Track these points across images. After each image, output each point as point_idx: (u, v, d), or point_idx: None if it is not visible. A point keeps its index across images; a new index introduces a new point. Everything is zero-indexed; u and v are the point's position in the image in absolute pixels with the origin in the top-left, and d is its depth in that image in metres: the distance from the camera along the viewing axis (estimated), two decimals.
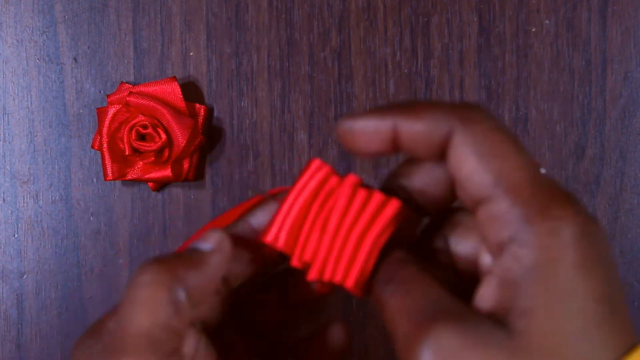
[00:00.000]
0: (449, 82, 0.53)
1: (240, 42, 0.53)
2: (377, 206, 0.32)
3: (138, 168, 0.52)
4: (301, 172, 0.33)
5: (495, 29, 0.53)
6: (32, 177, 0.53)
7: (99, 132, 0.51)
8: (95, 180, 0.53)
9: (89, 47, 0.53)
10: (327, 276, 0.32)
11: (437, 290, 0.28)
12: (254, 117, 0.53)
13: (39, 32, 0.53)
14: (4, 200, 0.53)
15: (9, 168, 0.53)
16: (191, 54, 0.53)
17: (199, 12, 0.53)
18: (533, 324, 0.26)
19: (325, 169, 0.33)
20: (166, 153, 0.51)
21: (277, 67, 0.53)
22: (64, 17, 0.53)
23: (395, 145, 0.31)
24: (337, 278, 0.32)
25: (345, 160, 0.53)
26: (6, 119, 0.53)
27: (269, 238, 0.32)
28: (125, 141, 0.51)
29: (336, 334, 0.35)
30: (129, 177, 0.52)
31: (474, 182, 0.28)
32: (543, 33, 0.53)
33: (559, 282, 0.26)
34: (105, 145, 0.51)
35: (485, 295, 0.28)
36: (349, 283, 0.32)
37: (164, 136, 0.51)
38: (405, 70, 0.53)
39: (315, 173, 0.33)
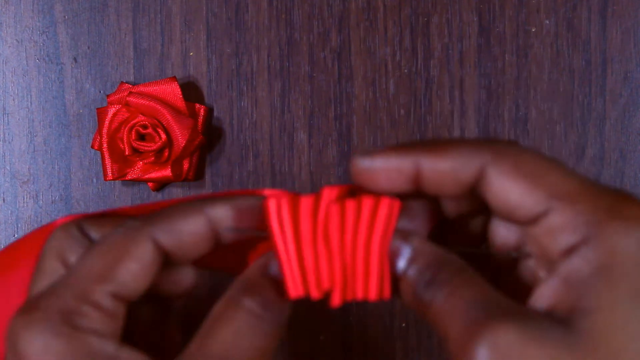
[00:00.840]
0: (449, 82, 0.53)
1: (240, 42, 0.53)
2: (371, 211, 0.31)
3: (138, 168, 0.52)
4: (266, 214, 0.31)
5: (495, 29, 0.53)
6: (32, 177, 0.53)
7: (99, 132, 0.51)
8: (95, 180, 0.53)
9: (89, 47, 0.53)
10: (349, 296, 0.32)
11: (484, 288, 0.28)
12: (254, 117, 0.53)
13: (39, 32, 0.53)
14: (4, 200, 0.53)
15: (8, 168, 0.53)
16: (191, 54, 0.53)
17: (199, 12, 0.53)
18: (599, 322, 0.26)
19: (285, 200, 0.31)
20: (166, 153, 0.51)
21: (277, 67, 0.53)
22: (64, 17, 0.53)
23: (417, 184, 0.31)
24: (360, 295, 0.32)
25: (345, 159, 0.53)
26: (6, 119, 0.53)
27: (294, 293, 0.31)
28: (125, 141, 0.51)
29: None
30: (129, 177, 0.52)
31: (525, 202, 0.28)
32: (543, 33, 0.53)
33: (630, 281, 0.26)
34: (105, 145, 0.51)
35: (545, 295, 0.28)
36: (372, 296, 0.31)
37: (164, 136, 0.51)
38: (405, 70, 0.53)
39: (280, 211, 0.31)
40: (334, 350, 0.53)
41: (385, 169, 0.31)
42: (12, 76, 0.54)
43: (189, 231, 0.31)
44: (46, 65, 0.54)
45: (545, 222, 0.28)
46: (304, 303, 0.51)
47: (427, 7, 0.53)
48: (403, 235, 0.31)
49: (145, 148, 0.51)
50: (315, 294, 0.31)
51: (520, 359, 0.26)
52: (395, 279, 0.31)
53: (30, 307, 0.29)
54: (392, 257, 0.31)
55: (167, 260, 0.32)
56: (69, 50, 0.53)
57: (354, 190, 0.33)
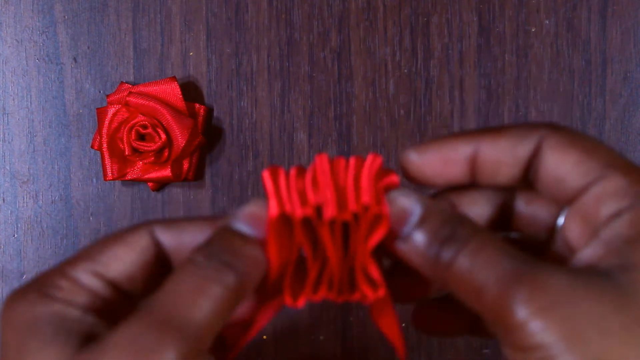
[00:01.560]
0: (449, 82, 0.53)
1: (240, 42, 0.53)
2: (359, 163, 0.31)
3: (138, 168, 0.52)
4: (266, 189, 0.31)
5: (495, 29, 0.53)
6: (31, 177, 0.53)
7: (99, 132, 0.51)
8: (95, 180, 0.53)
9: (88, 47, 0.53)
10: (342, 212, 0.30)
11: (508, 245, 0.28)
12: (254, 117, 0.53)
13: (38, 32, 0.53)
14: (3, 200, 0.53)
15: (8, 168, 0.53)
16: (191, 54, 0.53)
17: (199, 12, 0.53)
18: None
19: (281, 170, 0.31)
20: (166, 153, 0.51)
21: (277, 67, 0.53)
22: (64, 17, 0.53)
23: (472, 171, 0.31)
24: (352, 205, 0.30)
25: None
26: (6, 119, 0.53)
27: (273, 211, 0.30)
28: (125, 141, 0.51)
29: None
30: (128, 177, 0.52)
31: (580, 170, 0.29)
32: (543, 33, 0.53)
33: None
34: (105, 145, 0.51)
35: (584, 258, 0.29)
36: (366, 199, 0.30)
37: (163, 136, 0.51)
38: (405, 70, 0.53)
39: (275, 170, 0.31)
40: (334, 350, 0.53)
41: (441, 157, 0.32)
42: (12, 76, 0.54)
43: (191, 231, 0.32)
44: (46, 65, 0.54)
45: (595, 188, 0.29)
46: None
47: (427, 7, 0.53)
48: (410, 194, 0.31)
49: (145, 148, 0.51)
50: (300, 211, 0.30)
51: (569, 302, 0.26)
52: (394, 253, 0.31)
53: (24, 284, 0.30)
54: (401, 217, 0.30)
55: (165, 260, 0.32)
56: (68, 50, 0.53)
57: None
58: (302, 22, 0.53)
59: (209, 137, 0.53)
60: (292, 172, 0.31)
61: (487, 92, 0.53)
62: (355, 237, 0.31)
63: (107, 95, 0.52)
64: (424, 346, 0.53)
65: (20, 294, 0.29)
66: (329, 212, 0.30)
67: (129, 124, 0.51)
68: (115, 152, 0.51)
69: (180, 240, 0.32)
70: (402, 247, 0.30)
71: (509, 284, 0.27)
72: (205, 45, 0.53)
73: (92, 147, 0.52)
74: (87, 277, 0.30)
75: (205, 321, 0.28)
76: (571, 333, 0.26)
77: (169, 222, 0.32)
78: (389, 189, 0.31)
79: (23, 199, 0.53)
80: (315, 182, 0.31)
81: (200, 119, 0.52)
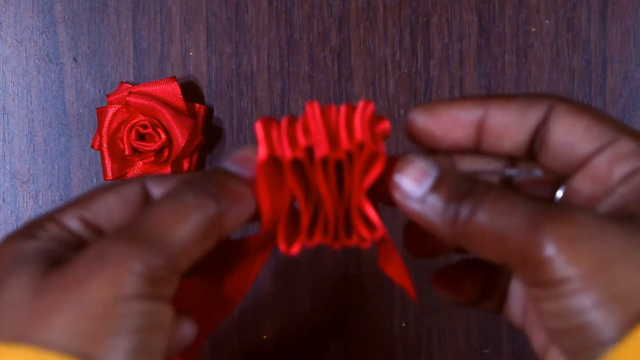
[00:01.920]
0: (449, 82, 0.53)
1: (240, 42, 0.53)
2: (351, 109, 0.31)
3: (138, 168, 0.52)
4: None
5: (495, 29, 0.53)
6: (32, 177, 0.53)
7: (99, 132, 0.51)
8: (95, 180, 0.53)
9: (88, 47, 0.53)
10: (328, 148, 0.30)
11: (526, 197, 0.29)
12: (254, 117, 0.53)
13: (38, 32, 0.53)
14: (3, 200, 0.53)
15: (8, 168, 0.53)
16: (191, 54, 0.53)
17: (199, 12, 0.53)
18: None
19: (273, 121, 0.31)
20: (166, 153, 0.51)
21: (277, 67, 0.53)
22: (64, 17, 0.53)
23: (478, 136, 0.31)
24: (345, 144, 0.30)
25: None
26: (6, 119, 0.53)
27: (263, 154, 0.30)
28: (125, 141, 0.51)
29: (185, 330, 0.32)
30: (128, 177, 0.52)
31: (592, 134, 0.30)
32: (543, 33, 0.53)
33: None
34: (105, 145, 0.51)
35: (606, 209, 0.29)
36: (359, 136, 0.30)
37: (163, 136, 0.51)
38: (405, 70, 0.53)
39: (268, 119, 0.31)
40: (333, 350, 0.53)
41: (450, 118, 0.32)
42: (12, 76, 0.54)
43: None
44: (46, 65, 0.54)
45: (608, 151, 0.30)
46: (304, 297, 0.51)
47: (427, 7, 0.53)
48: (425, 156, 0.31)
49: (145, 148, 0.51)
50: (290, 152, 0.30)
51: (597, 237, 0.27)
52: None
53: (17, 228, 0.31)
54: (417, 179, 0.30)
55: None
56: (68, 50, 0.53)
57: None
58: (302, 22, 0.53)
59: (209, 137, 0.53)
60: (284, 120, 0.31)
61: (487, 92, 0.53)
62: (349, 178, 0.31)
63: (107, 95, 0.52)
64: (424, 346, 0.53)
65: (10, 236, 0.30)
66: (321, 150, 0.30)
67: (129, 124, 0.51)
68: (115, 152, 0.51)
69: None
70: (418, 209, 0.30)
71: (536, 222, 0.27)
72: (205, 45, 0.53)
73: (92, 147, 0.52)
74: (74, 222, 0.30)
75: (180, 242, 0.28)
76: (600, 265, 0.26)
77: (162, 177, 0.32)
78: (382, 135, 0.31)
79: (23, 199, 0.53)
80: (306, 128, 0.31)
81: (200, 119, 0.52)
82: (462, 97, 0.32)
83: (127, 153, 0.51)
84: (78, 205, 0.30)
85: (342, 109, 0.31)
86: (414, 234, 0.34)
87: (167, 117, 0.51)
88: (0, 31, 0.53)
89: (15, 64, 0.53)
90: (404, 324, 0.53)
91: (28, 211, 0.53)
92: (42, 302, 0.27)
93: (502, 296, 0.35)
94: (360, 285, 0.53)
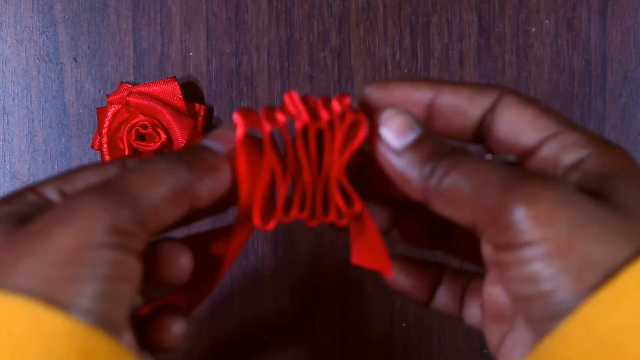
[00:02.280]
0: None
1: (240, 42, 0.53)
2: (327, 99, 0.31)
3: None
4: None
5: (495, 29, 0.53)
6: (32, 177, 0.53)
7: (99, 132, 0.51)
8: None
9: (88, 47, 0.53)
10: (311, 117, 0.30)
11: (501, 164, 0.29)
12: None
13: (38, 32, 0.53)
14: None
15: (8, 168, 0.53)
16: (191, 54, 0.53)
17: (199, 12, 0.53)
18: (622, 190, 0.28)
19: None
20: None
21: (277, 67, 0.53)
22: (64, 17, 0.53)
23: (427, 117, 0.32)
24: (325, 115, 0.30)
25: None
26: (6, 119, 0.54)
27: (239, 131, 0.30)
28: (125, 141, 0.51)
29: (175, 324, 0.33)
30: None
31: (538, 124, 0.31)
32: (543, 33, 0.53)
33: (636, 174, 0.29)
34: (105, 145, 0.51)
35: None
36: (338, 108, 0.30)
37: (163, 136, 0.51)
38: (405, 70, 0.53)
39: (246, 109, 0.31)
40: (334, 350, 0.53)
41: (402, 96, 0.32)
42: (12, 76, 0.54)
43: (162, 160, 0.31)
44: (46, 65, 0.54)
45: (554, 142, 0.30)
46: (304, 298, 0.51)
47: (427, 7, 0.53)
48: (411, 113, 0.32)
49: (145, 148, 0.51)
50: (268, 125, 0.30)
51: (571, 205, 0.27)
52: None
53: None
54: (401, 131, 0.31)
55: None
56: (69, 50, 0.53)
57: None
58: (302, 22, 0.53)
59: None
60: (262, 108, 0.31)
61: None
62: (329, 153, 0.31)
63: (107, 95, 0.52)
64: (424, 346, 0.53)
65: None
66: (302, 120, 0.30)
67: (129, 124, 0.51)
68: (115, 152, 0.51)
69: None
70: (395, 162, 0.31)
71: (509, 184, 0.28)
72: (205, 45, 0.53)
73: (92, 147, 0.52)
74: (52, 193, 0.30)
75: (149, 201, 0.28)
76: (568, 233, 0.26)
77: (144, 159, 0.32)
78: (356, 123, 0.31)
79: None
80: (285, 110, 0.31)
81: (200, 119, 0.52)
82: (415, 78, 0.32)
83: (127, 153, 0.51)
84: (59, 178, 0.31)
85: (319, 99, 0.32)
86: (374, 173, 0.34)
87: (167, 117, 0.51)
88: (0, 31, 0.53)
89: (15, 64, 0.53)
90: (404, 324, 0.53)
91: None
92: (10, 252, 0.27)
93: (460, 297, 0.36)
94: (360, 285, 0.53)
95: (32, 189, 0.30)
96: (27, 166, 0.53)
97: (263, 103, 0.53)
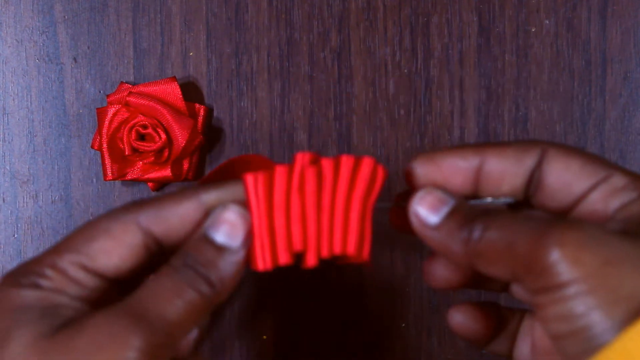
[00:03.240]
0: (448, 82, 0.53)
1: (240, 42, 0.53)
2: (351, 168, 0.32)
3: (138, 168, 0.52)
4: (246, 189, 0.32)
5: (495, 29, 0.53)
6: (31, 177, 0.53)
7: (99, 132, 0.51)
8: (95, 180, 0.53)
9: (88, 47, 0.53)
10: (325, 253, 0.32)
11: (533, 216, 0.31)
12: (254, 117, 0.53)
13: (38, 32, 0.53)
14: (3, 200, 0.53)
15: (8, 168, 0.53)
16: (191, 54, 0.53)
17: (199, 12, 0.53)
18: None
19: (261, 174, 0.31)
20: (166, 153, 0.51)
21: (277, 67, 0.53)
22: (64, 17, 0.53)
23: (476, 182, 0.33)
24: (337, 249, 0.32)
25: None
26: (6, 119, 0.53)
27: (261, 266, 0.32)
28: (125, 141, 0.51)
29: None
30: (128, 177, 0.52)
31: (586, 172, 0.32)
32: (543, 33, 0.53)
33: None
34: (105, 145, 0.51)
35: None
36: (351, 250, 0.32)
37: (163, 136, 0.51)
38: (405, 70, 0.53)
39: (256, 185, 0.32)
40: (333, 350, 0.53)
41: (449, 166, 0.34)
42: (12, 76, 0.54)
43: (177, 214, 0.33)
44: (46, 65, 0.54)
45: (603, 186, 0.31)
46: (304, 297, 0.51)
47: (427, 7, 0.53)
48: (445, 192, 0.33)
49: (145, 148, 0.51)
50: (284, 259, 0.31)
51: (601, 244, 0.28)
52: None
53: (12, 268, 0.32)
54: (435, 207, 0.32)
55: (158, 246, 0.33)
56: (68, 50, 0.53)
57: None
58: (302, 22, 0.53)
59: (209, 137, 0.53)
60: (277, 192, 0.32)
61: (487, 92, 0.53)
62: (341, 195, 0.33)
63: (107, 95, 0.52)
64: (424, 346, 0.53)
65: (9, 280, 0.31)
66: (310, 260, 0.32)
67: (129, 124, 0.51)
68: (115, 152, 0.51)
69: (169, 225, 0.33)
70: (435, 236, 0.32)
71: (542, 231, 0.29)
72: (205, 45, 0.53)
73: (92, 147, 0.52)
74: (75, 270, 0.31)
75: (176, 319, 0.30)
76: (603, 269, 0.27)
77: (153, 206, 0.33)
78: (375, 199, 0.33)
79: (23, 199, 0.53)
80: (301, 194, 0.32)
81: (200, 119, 0.52)
82: (459, 146, 0.33)
83: (127, 153, 0.51)
84: (75, 250, 0.32)
85: (342, 178, 0.33)
86: (400, 212, 0.36)
87: (167, 117, 0.51)
88: (0, 31, 0.53)
89: (15, 64, 0.53)
90: (403, 324, 0.53)
91: (28, 211, 0.53)
92: None
93: (512, 338, 0.37)
94: (360, 285, 0.53)
95: (51, 264, 0.31)
96: (27, 166, 0.53)
97: (263, 103, 0.53)
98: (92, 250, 0.32)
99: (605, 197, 0.31)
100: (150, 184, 0.53)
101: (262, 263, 0.32)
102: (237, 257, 0.32)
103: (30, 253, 0.53)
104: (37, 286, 0.30)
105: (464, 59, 0.53)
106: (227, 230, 0.32)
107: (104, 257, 0.32)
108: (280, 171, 0.31)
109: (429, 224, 0.32)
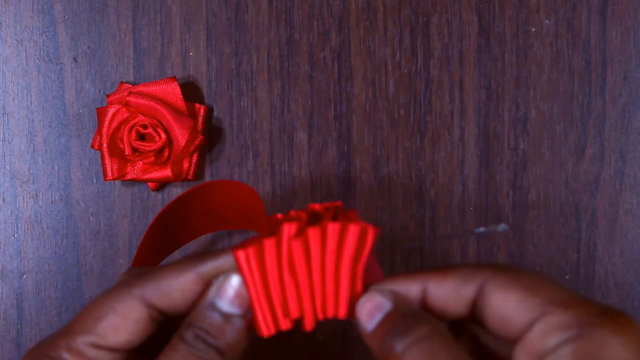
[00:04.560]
0: (448, 82, 0.53)
1: (240, 42, 0.53)
2: (338, 235, 0.33)
3: (138, 168, 0.52)
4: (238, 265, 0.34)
5: (495, 29, 0.53)
6: (32, 177, 0.53)
7: (99, 132, 0.51)
8: (95, 180, 0.53)
9: (88, 47, 0.53)
10: (320, 317, 0.34)
11: (459, 354, 0.31)
12: (254, 117, 0.53)
13: (38, 32, 0.53)
14: (3, 200, 0.53)
15: (8, 168, 0.53)
16: (191, 54, 0.53)
17: (199, 12, 0.53)
18: None
19: (251, 249, 0.33)
20: (166, 153, 0.51)
21: (277, 67, 0.53)
22: (64, 17, 0.53)
23: (425, 308, 0.34)
24: (330, 313, 0.34)
25: (345, 159, 0.53)
26: (6, 119, 0.54)
27: (265, 332, 0.34)
28: (125, 141, 0.51)
29: None
30: (128, 177, 0.52)
31: (522, 309, 0.31)
32: (543, 33, 0.53)
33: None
34: (105, 145, 0.51)
35: None
36: (342, 314, 0.34)
37: (163, 136, 0.51)
38: (405, 70, 0.53)
39: (248, 261, 0.33)
40: (334, 350, 0.53)
41: (399, 294, 0.34)
42: (12, 76, 0.54)
43: (179, 288, 0.35)
44: (46, 65, 0.54)
45: (539, 325, 0.31)
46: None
47: (427, 7, 0.53)
48: (383, 291, 0.34)
49: (145, 148, 0.51)
50: (285, 325, 0.34)
51: None
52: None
53: (28, 351, 0.34)
54: (370, 314, 0.34)
55: (162, 315, 0.36)
56: (68, 50, 0.53)
57: (317, 214, 0.35)
58: (302, 22, 0.53)
59: (209, 137, 0.53)
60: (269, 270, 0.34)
61: (487, 92, 0.53)
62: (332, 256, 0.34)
63: (107, 95, 0.52)
64: None
65: None
66: (308, 325, 0.34)
67: (129, 124, 0.51)
68: (115, 152, 0.51)
69: (170, 299, 0.35)
70: (369, 342, 0.34)
71: None
72: (205, 45, 0.53)
73: (92, 147, 0.52)
74: (89, 349, 0.34)
75: None
76: None
77: (153, 280, 0.35)
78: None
79: (23, 199, 0.53)
80: (291, 267, 0.34)
81: (200, 119, 0.52)
82: (402, 275, 0.35)
83: (127, 153, 0.51)
84: (85, 331, 0.34)
85: (329, 251, 0.34)
86: None
87: (167, 117, 0.51)
88: (0, 31, 0.53)
89: (15, 64, 0.53)
90: None
91: (28, 211, 0.53)
92: None
93: None
94: None
95: (67, 347, 0.33)
96: (27, 166, 0.53)
97: (263, 103, 0.53)
98: (102, 329, 0.34)
99: (541, 337, 0.31)
100: (150, 184, 0.53)
101: (266, 330, 0.34)
102: (242, 323, 0.34)
103: (30, 253, 0.53)
104: None
105: (464, 59, 0.53)
106: (232, 298, 0.34)
107: (113, 334, 0.34)
108: (268, 244, 0.33)
109: (365, 331, 0.34)
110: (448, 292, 0.33)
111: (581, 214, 0.53)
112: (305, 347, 0.53)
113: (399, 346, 0.31)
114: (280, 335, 0.52)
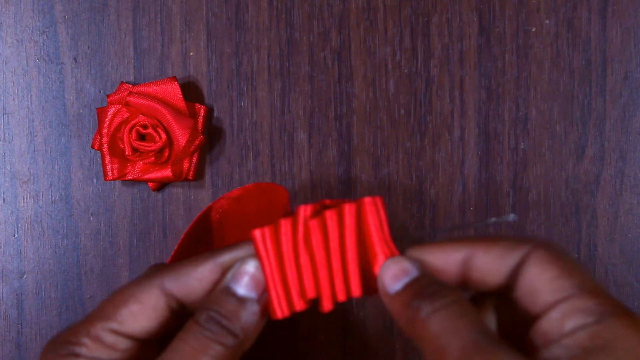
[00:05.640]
0: (449, 82, 0.53)
1: (240, 42, 0.53)
2: (355, 213, 0.33)
3: (138, 168, 0.52)
4: (255, 244, 0.34)
5: (495, 29, 0.53)
6: (32, 177, 0.53)
7: (99, 132, 0.51)
8: (95, 180, 0.53)
9: (89, 47, 0.53)
10: (342, 297, 0.35)
11: (479, 321, 0.32)
12: (254, 117, 0.53)
13: (39, 32, 0.53)
14: (4, 200, 0.53)
15: (9, 168, 0.53)
16: (191, 54, 0.53)
17: (199, 12, 0.53)
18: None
19: (267, 228, 0.34)
20: (166, 153, 0.51)
21: (277, 67, 0.53)
22: (64, 17, 0.53)
23: (463, 276, 0.35)
24: (356, 293, 0.35)
25: (345, 159, 0.53)
26: (6, 119, 0.54)
27: (279, 314, 0.35)
28: (125, 141, 0.51)
29: None
30: (129, 177, 0.52)
31: (555, 285, 0.32)
32: (543, 33, 0.53)
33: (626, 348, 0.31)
34: (105, 145, 0.51)
35: (551, 353, 0.32)
36: (356, 293, 0.34)
37: (164, 136, 0.51)
38: (405, 70, 0.53)
39: (264, 240, 0.34)
40: (334, 350, 0.53)
41: (439, 259, 0.35)
42: (12, 76, 0.54)
43: (197, 276, 0.36)
44: (46, 65, 0.54)
45: (564, 305, 0.32)
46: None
47: (427, 7, 0.53)
48: (409, 258, 0.35)
49: (146, 148, 0.51)
50: (300, 306, 0.34)
51: None
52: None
53: (50, 338, 0.35)
54: (396, 277, 0.34)
55: (180, 306, 0.36)
56: (69, 50, 0.53)
57: (327, 206, 0.35)
58: (302, 22, 0.53)
59: (209, 137, 0.53)
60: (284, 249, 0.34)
61: (487, 92, 0.53)
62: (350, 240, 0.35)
63: (108, 95, 0.52)
64: None
65: (50, 353, 0.34)
66: (326, 306, 0.35)
67: (130, 124, 0.51)
68: (116, 152, 0.51)
69: (188, 287, 0.36)
70: (390, 304, 0.34)
71: (467, 354, 0.30)
72: (206, 45, 0.53)
73: (92, 147, 0.52)
74: (107, 335, 0.34)
75: None
76: None
77: (173, 271, 0.36)
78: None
79: (23, 199, 0.53)
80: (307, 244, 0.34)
81: (201, 119, 0.52)
82: (450, 240, 0.36)
83: (127, 153, 0.51)
84: (105, 317, 0.35)
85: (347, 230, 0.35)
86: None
87: (168, 117, 0.51)
88: (0, 31, 0.53)
89: (15, 64, 0.53)
90: None
91: (28, 211, 0.53)
92: None
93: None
94: None
95: (87, 333, 0.34)
96: (27, 166, 0.53)
97: (263, 103, 0.53)
98: (121, 316, 0.35)
99: (562, 318, 0.32)
100: (150, 184, 0.53)
101: (280, 311, 0.34)
102: (257, 308, 0.35)
103: (30, 253, 0.53)
104: (75, 355, 0.33)
105: (464, 59, 0.53)
106: (248, 282, 0.35)
107: (132, 320, 0.35)
108: (284, 224, 0.34)
109: (388, 292, 0.34)
110: (492, 260, 0.34)
111: (581, 214, 0.53)
112: (306, 347, 0.53)
113: (426, 310, 0.32)
114: (281, 335, 0.52)
